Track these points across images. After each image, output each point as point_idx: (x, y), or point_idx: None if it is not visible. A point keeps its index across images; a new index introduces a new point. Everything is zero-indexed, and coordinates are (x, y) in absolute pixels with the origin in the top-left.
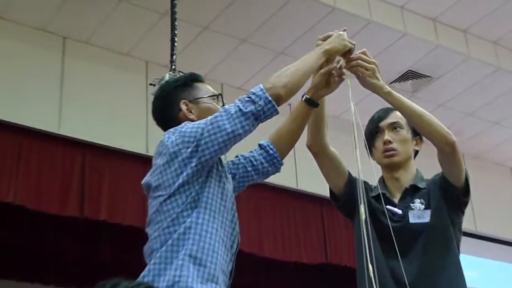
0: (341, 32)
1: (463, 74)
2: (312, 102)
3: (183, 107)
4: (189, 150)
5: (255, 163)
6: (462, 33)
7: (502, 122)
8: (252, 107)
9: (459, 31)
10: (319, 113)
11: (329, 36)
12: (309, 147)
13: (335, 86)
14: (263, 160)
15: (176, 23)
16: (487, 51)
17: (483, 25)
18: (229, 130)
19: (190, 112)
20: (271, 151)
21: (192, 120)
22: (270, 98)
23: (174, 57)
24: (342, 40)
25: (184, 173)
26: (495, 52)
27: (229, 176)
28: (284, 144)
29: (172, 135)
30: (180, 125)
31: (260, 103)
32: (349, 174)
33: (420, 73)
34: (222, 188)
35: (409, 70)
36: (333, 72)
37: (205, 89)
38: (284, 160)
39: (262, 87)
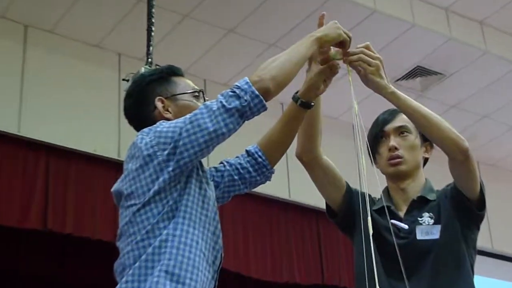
0: (336, 21)
1: (478, 71)
2: (307, 105)
3: (159, 104)
4: (166, 152)
5: (242, 171)
6: (478, 24)
7: None
8: (237, 102)
9: (475, 22)
10: (313, 117)
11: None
12: (299, 157)
13: (329, 82)
14: (250, 169)
15: (153, 10)
16: (506, 45)
17: (502, 16)
18: (211, 129)
19: (167, 110)
20: (259, 159)
21: (169, 119)
22: (257, 92)
23: (151, 48)
24: (336, 29)
25: (160, 179)
26: None
27: (211, 182)
28: (274, 150)
29: (146, 136)
30: (154, 125)
31: (245, 98)
32: (347, 185)
33: (430, 70)
34: (203, 195)
35: (417, 66)
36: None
37: (184, 84)
38: (276, 167)
39: (248, 80)
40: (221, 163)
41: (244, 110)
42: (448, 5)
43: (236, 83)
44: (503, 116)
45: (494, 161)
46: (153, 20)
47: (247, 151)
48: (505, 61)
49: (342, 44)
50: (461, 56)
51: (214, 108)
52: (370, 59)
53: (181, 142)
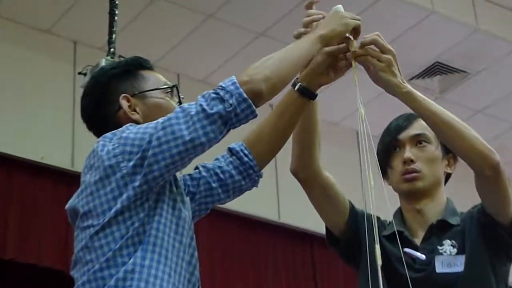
0: (338, 8)
1: (510, 68)
2: (308, 92)
3: (124, 103)
4: (131, 163)
5: (222, 176)
6: (510, 12)
7: None
8: (220, 107)
9: (506, 9)
10: (310, 124)
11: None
12: (295, 172)
13: (341, 73)
14: (233, 172)
15: None
16: None
17: None
18: (187, 137)
19: (134, 110)
20: (245, 158)
21: (136, 122)
22: (245, 95)
23: (114, 36)
24: (341, 19)
25: (124, 196)
26: None
27: (187, 199)
28: (264, 150)
29: (109, 143)
30: (120, 129)
31: (231, 101)
32: (351, 206)
33: (451, 67)
34: (177, 217)
35: (436, 62)
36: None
37: (154, 79)
38: (264, 184)
39: (235, 80)
40: (196, 168)
41: (229, 117)
42: None
43: (221, 83)
44: None
45: None
46: (117, 2)
47: (230, 149)
48: None
49: (354, 32)
50: (489, 51)
51: (192, 113)
52: (380, 54)
53: (150, 152)
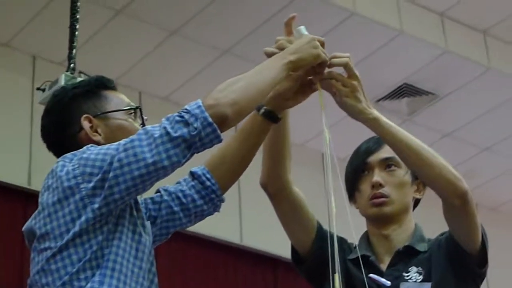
0: (301, 29)
1: (479, 92)
2: (272, 116)
3: (85, 124)
4: (91, 185)
5: (184, 200)
6: (480, 34)
7: None
8: (184, 130)
9: (477, 31)
10: (281, 134)
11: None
12: (265, 185)
13: (305, 96)
14: (195, 196)
15: (78, 3)
16: None
17: (510, 25)
18: (149, 160)
19: (95, 131)
20: (207, 182)
21: (98, 143)
22: (210, 119)
23: (74, 51)
24: (312, 48)
25: (83, 218)
26: None
27: (148, 224)
28: (227, 174)
29: (69, 163)
30: (80, 150)
31: (196, 125)
32: (319, 226)
33: (419, 89)
34: (137, 242)
35: (404, 84)
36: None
37: (117, 100)
38: (226, 205)
39: (201, 104)
40: (158, 191)
41: (193, 141)
42: (444, 10)
43: (186, 106)
44: (509, 149)
45: (496, 205)
46: (78, 16)
47: (191, 173)
48: None
49: (319, 66)
50: (458, 73)
51: (156, 135)
52: (345, 78)
53: (111, 174)
